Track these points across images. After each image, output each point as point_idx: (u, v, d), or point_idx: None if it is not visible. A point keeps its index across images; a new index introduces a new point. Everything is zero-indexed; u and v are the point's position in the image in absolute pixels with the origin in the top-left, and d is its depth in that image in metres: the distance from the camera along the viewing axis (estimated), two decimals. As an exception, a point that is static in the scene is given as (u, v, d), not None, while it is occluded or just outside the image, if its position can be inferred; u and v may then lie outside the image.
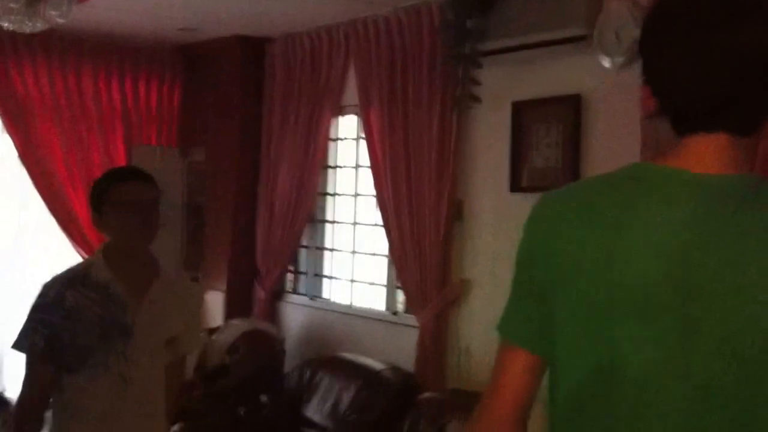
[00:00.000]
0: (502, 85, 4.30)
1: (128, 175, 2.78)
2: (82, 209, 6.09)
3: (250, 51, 6.12)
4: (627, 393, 1.32)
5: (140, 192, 2.70)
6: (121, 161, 6.40)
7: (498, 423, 1.43)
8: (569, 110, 3.98)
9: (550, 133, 4.06)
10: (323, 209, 5.87)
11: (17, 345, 2.66)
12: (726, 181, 1.30)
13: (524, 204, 4.19)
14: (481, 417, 1.45)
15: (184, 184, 6.63)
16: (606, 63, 3.68)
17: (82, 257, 6.11)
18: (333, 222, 5.81)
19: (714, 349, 1.27)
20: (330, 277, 5.80)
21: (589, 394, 1.36)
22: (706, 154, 1.32)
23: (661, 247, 1.28)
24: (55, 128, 6.22)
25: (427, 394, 4.42)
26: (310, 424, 4.91)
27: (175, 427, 5.04)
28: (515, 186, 4.25)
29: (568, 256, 1.35)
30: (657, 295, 1.28)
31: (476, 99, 4.32)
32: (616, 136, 3.77)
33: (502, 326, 1.46)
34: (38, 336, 2.62)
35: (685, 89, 1.31)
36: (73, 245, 6.22)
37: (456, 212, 4.55)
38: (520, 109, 4.21)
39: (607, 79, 3.74)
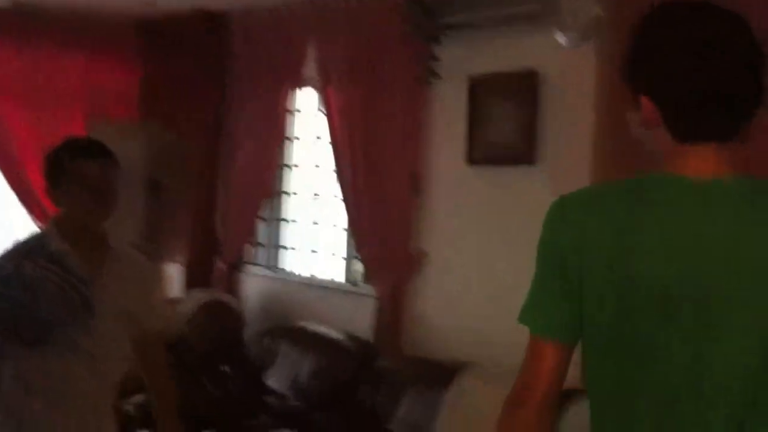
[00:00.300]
0: (460, 61, 4.37)
1: (88, 150, 2.70)
2: (40, 184, 6.09)
3: (211, 25, 6.11)
4: (655, 382, 1.50)
5: (100, 169, 2.65)
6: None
7: (537, 412, 1.59)
8: (525, 86, 4.08)
9: (506, 108, 4.16)
10: (282, 181, 5.94)
11: None
12: (720, 183, 1.51)
13: (480, 177, 4.35)
14: (521, 406, 1.60)
15: (144, 158, 6.63)
16: (561, 40, 3.77)
17: (40, 230, 6.13)
18: (292, 194, 5.88)
19: (736, 333, 1.45)
20: (289, 248, 5.88)
21: (618, 380, 1.54)
22: (701, 161, 1.52)
23: (673, 244, 1.48)
24: (14, 104, 6.17)
25: (384, 363, 4.53)
26: (272, 392, 5.00)
27: (138, 398, 5.10)
28: (472, 159, 4.35)
29: (593, 253, 1.52)
30: (674, 288, 1.47)
31: (436, 75, 4.41)
32: (570, 112, 3.89)
33: (530, 320, 1.64)
34: None
35: (685, 95, 1.50)
36: (32, 218, 6.24)
37: (414, 185, 4.64)
38: (477, 84, 4.30)
39: (562, 56, 3.84)
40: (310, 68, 5.27)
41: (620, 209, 1.52)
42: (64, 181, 2.65)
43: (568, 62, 3.85)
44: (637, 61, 1.55)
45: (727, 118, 1.51)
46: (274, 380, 5.02)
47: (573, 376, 3.59)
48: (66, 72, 6.38)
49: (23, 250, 2.67)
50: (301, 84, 5.55)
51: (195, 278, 6.14)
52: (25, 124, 6.21)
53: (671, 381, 1.48)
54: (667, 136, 1.54)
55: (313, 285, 5.49)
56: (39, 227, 6.05)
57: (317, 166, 5.58)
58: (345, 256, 5.30)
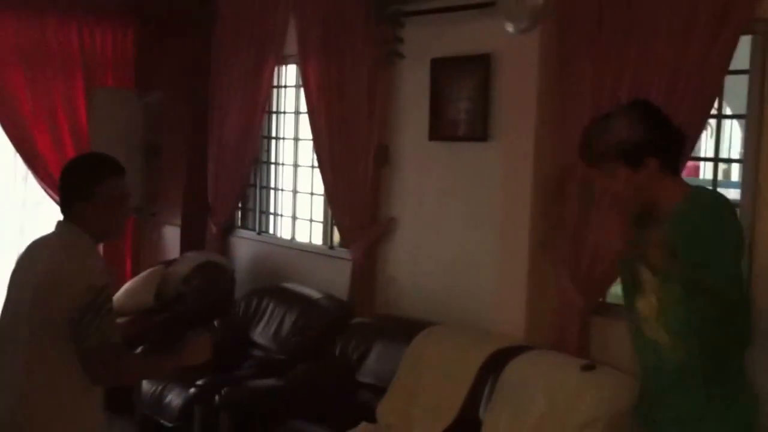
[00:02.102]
0: (423, 44, 4.73)
1: (120, 169, 2.97)
2: (45, 148, 6.66)
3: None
4: None
5: (128, 187, 2.97)
6: (81, 104, 6.81)
7: None
8: (480, 68, 4.44)
9: (462, 88, 4.53)
10: (269, 152, 6.33)
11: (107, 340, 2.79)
12: None
13: (441, 151, 4.74)
14: None
15: (140, 124, 7.02)
16: (509, 28, 4.13)
17: (46, 191, 6.62)
18: (276, 163, 6.27)
19: None
20: (275, 214, 6.29)
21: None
22: None
23: None
24: (19, 72, 6.57)
25: (357, 319, 4.96)
26: (257, 345, 5.45)
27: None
28: (433, 135, 4.74)
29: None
30: None
31: (400, 55, 4.77)
32: (517, 91, 4.23)
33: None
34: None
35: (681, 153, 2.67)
36: (36, 178, 6.71)
37: (383, 157, 5.03)
38: (438, 66, 4.67)
39: (511, 41, 4.19)
40: (293, 44, 5.63)
41: None
42: (98, 199, 2.87)
43: (515, 47, 4.19)
44: (653, 140, 2.55)
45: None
46: (259, 335, 5.46)
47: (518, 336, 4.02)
48: (67, 42, 6.75)
49: (99, 258, 2.93)
50: (284, 60, 5.92)
51: (189, 240, 6.57)
52: (32, 94, 6.63)
53: None
54: (660, 177, 2.55)
55: (295, 248, 5.91)
56: (44, 188, 6.51)
57: (299, 138, 5.97)
58: (323, 221, 5.71)
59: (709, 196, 2.62)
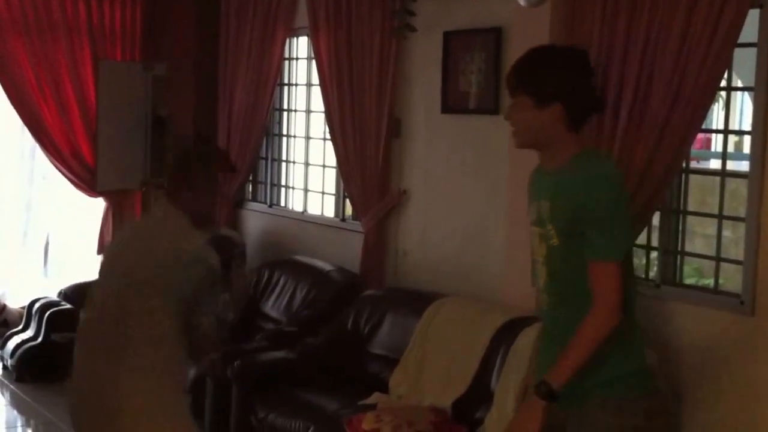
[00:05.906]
0: (435, 16, 4.74)
1: (230, 167, 3.34)
2: (52, 119, 6.68)
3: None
4: None
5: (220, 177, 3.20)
6: (88, 76, 6.81)
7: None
8: (491, 40, 4.45)
9: (474, 61, 4.54)
10: (281, 124, 6.34)
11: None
12: None
13: (452, 123, 4.75)
14: (618, 306, 2.50)
15: (147, 97, 7.03)
16: (521, 1, 4.13)
17: (53, 162, 6.72)
18: (288, 136, 6.29)
19: None
20: (286, 187, 6.31)
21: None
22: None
23: None
24: (24, 43, 6.57)
25: (369, 292, 5.00)
26: (268, 318, 5.50)
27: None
28: (445, 107, 4.75)
29: None
30: None
31: (412, 28, 4.77)
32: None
33: (620, 254, 2.51)
34: None
35: (588, 107, 2.63)
36: (44, 151, 6.75)
37: (395, 129, 5.05)
38: (449, 38, 4.67)
39: (522, 14, 4.19)
40: (305, 16, 5.63)
41: None
42: (213, 168, 3.11)
43: (526, 20, 4.19)
44: (569, 90, 2.55)
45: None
46: (270, 307, 5.51)
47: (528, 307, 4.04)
48: (73, 13, 6.72)
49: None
50: (295, 32, 5.92)
51: (200, 213, 6.57)
52: (37, 65, 6.62)
53: None
54: (560, 127, 2.55)
55: (307, 221, 5.94)
56: (50, 159, 6.55)
57: (310, 110, 5.98)
58: (335, 194, 5.73)
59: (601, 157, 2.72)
